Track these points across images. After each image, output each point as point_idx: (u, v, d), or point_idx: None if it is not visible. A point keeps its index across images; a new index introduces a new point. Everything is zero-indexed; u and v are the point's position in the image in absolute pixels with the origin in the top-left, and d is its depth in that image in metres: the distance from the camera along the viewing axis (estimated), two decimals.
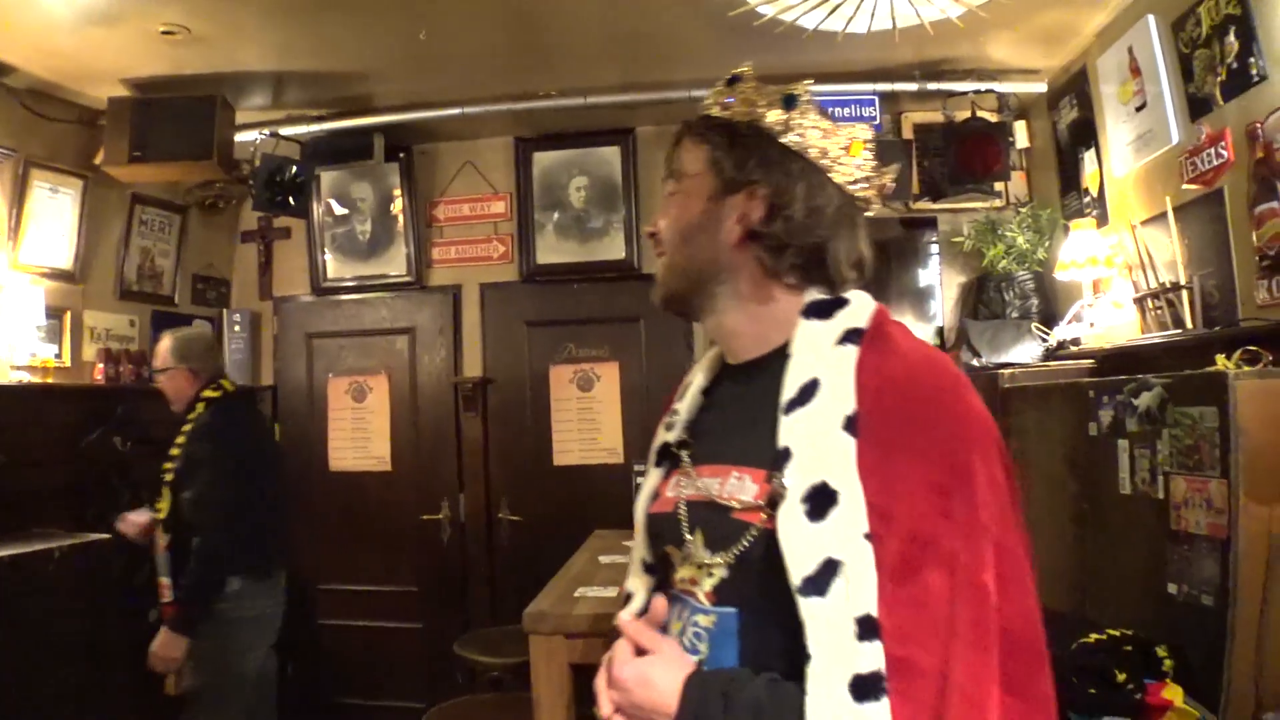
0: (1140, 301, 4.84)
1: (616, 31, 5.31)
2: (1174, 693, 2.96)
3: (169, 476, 4.70)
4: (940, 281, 6.45)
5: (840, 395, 1.57)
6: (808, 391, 1.61)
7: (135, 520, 4.92)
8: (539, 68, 5.83)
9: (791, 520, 1.51)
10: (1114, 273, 5.10)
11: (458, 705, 4.69)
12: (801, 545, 1.49)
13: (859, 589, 1.45)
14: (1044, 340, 5.45)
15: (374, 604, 7.16)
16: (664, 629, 1.75)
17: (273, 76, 5.84)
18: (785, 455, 1.57)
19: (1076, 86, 5.54)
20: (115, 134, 5.61)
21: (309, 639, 7.15)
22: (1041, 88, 5.95)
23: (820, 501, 1.50)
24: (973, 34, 5.22)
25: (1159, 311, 4.65)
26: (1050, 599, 4.18)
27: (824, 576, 1.46)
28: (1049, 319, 5.68)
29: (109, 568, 4.99)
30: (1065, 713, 3.07)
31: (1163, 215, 4.56)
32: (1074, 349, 5.26)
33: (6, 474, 5.05)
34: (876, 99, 5.98)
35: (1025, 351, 5.44)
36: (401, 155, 7.00)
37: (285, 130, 6.36)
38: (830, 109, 5.98)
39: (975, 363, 5.49)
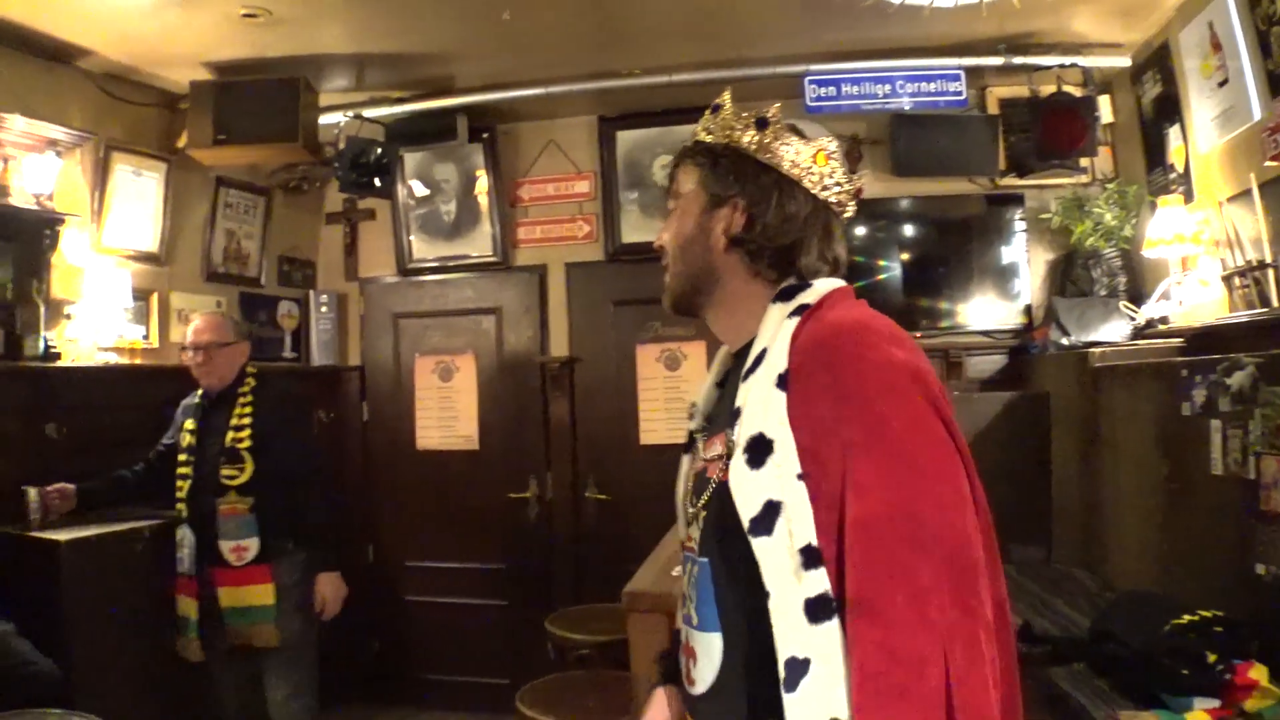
0: (1227, 279, 4.76)
1: (698, 9, 5.29)
2: (1260, 672, 2.93)
3: (246, 443, 4.89)
4: (1027, 259, 6.36)
5: (778, 357, 1.79)
6: (759, 360, 1.83)
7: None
8: (621, 46, 5.84)
9: (737, 469, 1.74)
10: (1201, 250, 5.00)
11: (551, 682, 4.71)
12: (746, 490, 1.72)
13: (799, 524, 1.65)
14: (1132, 319, 5.38)
15: (460, 581, 7.25)
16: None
17: (355, 58, 5.89)
18: (737, 415, 1.81)
19: (1159, 61, 5.42)
20: (198, 117, 5.70)
21: (396, 615, 7.24)
22: (1125, 62, 5.82)
23: (758, 450, 1.72)
24: (1056, 7, 5.18)
25: (1245, 290, 4.58)
26: (1138, 579, 4.15)
27: (768, 517, 1.68)
28: (1136, 297, 5.60)
29: None
30: (1157, 693, 3.06)
31: (1248, 192, 4.47)
32: (1162, 327, 5.19)
33: (94, 453, 5.14)
34: (962, 73, 5.92)
35: (1114, 330, 5.37)
36: (485, 135, 7.01)
37: (369, 112, 6.42)
38: (915, 83, 5.94)
39: (1064, 341, 5.43)
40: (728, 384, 2.09)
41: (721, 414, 2.00)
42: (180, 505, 4.92)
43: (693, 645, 1.91)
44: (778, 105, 2.02)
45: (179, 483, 4.96)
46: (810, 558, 1.63)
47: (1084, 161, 5.98)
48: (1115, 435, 4.52)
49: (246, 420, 4.95)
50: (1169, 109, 5.37)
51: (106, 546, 4.77)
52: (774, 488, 1.68)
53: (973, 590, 1.60)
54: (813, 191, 1.97)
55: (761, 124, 1.98)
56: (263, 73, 5.76)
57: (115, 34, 5.21)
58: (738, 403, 1.82)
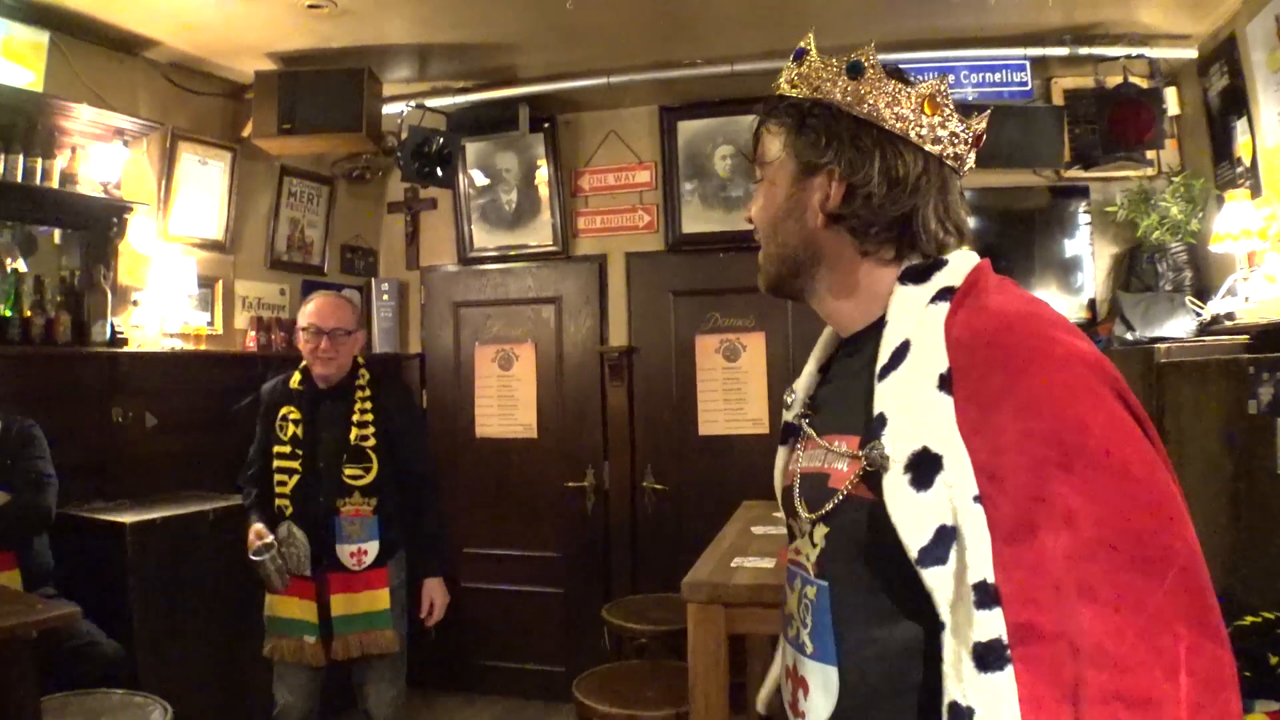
0: None
1: None
2: None
3: (372, 441, 4.59)
4: (1092, 252, 6.28)
5: (932, 354, 1.51)
6: (899, 355, 1.55)
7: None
8: (684, 36, 5.81)
9: (897, 490, 1.46)
10: (1268, 245, 4.94)
11: (608, 671, 4.72)
12: (912, 515, 1.44)
13: (974, 555, 1.38)
14: (1198, 314, 5.33)
15: (517, 569, 7.28)
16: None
17: (418, 49, 5.92)
18: (881, 422, 1.52)
19: (1226, 53, 5.35)
20: (264, 107, 5.76)
21: (453, 601, 7.28)
22: (1192, 54, 5.76)
23: (925, 468, 1.44)
24: None
25: None
26: None
27: (942, 545, 1.41)
28: (1202, 292, 5.55)
29: None
30: None
31: None
32: (1228, 324, 5.12)
33: (159, 437, 5.20)
34: (1027, 64, 5.87)
35: (1179, 326, 5.32)
36: (546, 125, 7.03)
37: (431, 102, 6.46)
38: (979, 74, 5.90)
39: (1129, 336, 5.39)
40: (833, 371, 1.87)
41: (835, 408, 1.77)
42: (283, 501, 4.56)
43: (803, 675, 1.66)
44: (872, 46, 1.68)
45: (279, 477, 4.57)
46: (984, 596, 1.37)
47: (1150, 154, 5.92)
48: (1180, 432, 4.48)
49: (369, 416, 4.63)
50: (1236, 102, 5.30)
51: (171, 529, 4.86)
52: (947, 512, 1.41)
53: (1210, 608, 1.35)
54: (924, 147, 1.64)
55: (855, 70, 1.65)
56: (327, 63, 5.81)
57: (182, 25, 5.28)
58: (878, 407, 1.53)
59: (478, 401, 7.43)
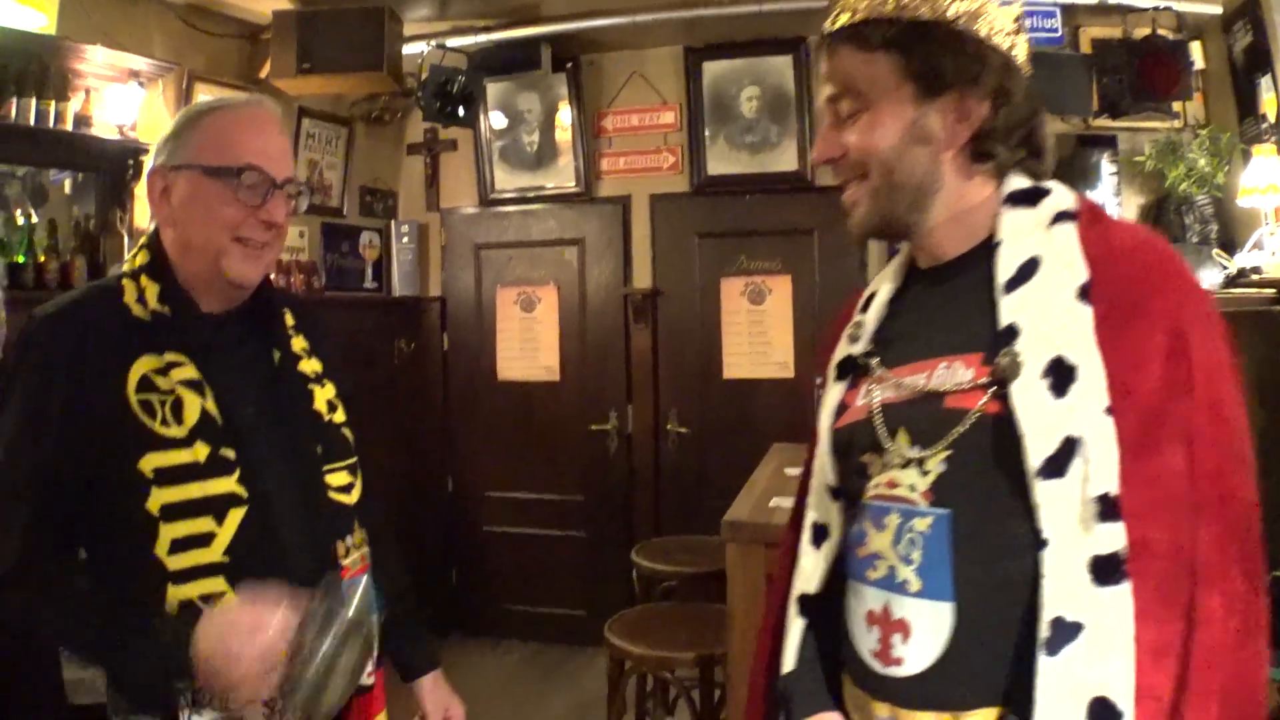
0: None
1: None
2: None
3: (341, 414, 2.33)
4: (1119, 202, 6.20)
5: (1070, 267, 1.50)
6: (1028, 270, 1.53)
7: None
8: None
9: (1031, 398, 1.45)
10: None
11: (639, 613, 4.68)
12: (1042, 424, 1.43)
13: (1100, 467, 1.39)
14: (1224, 267, 5.28)
15: (540, 512, 7.29)
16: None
17: None
18: (1011, 333, 1.50)
19: (1249, 11, 5.30)
20: (282, 47, 5.70)
21: (474, 546, 7.29)
22: (1217, 10, 5.68)
23: (1061, 376, 1.44)
24: None
25: None
26: None
27: (1063, 456, 1.40)
28: (1228, 245, 5.51)
29: None
30: None
31: None
32: (1254, 277, 5.08)
33: None
34: (1058, 10, 5.80)
35: (1205, 278, 5.26)
36: (569, 65, 6.95)
37: (452, 41, 6.40)
38: None
39: None
40: (909, 302, 1.78)
41: (906, 334, 1.72)
42: (210, 585, 1.91)
43: (902, 616, 1.54)
44: None
45: (190, 527, 1.91)
46: (1107, 508, 1.38)
47: (1176, 107, 5.88)
48: None
49: (318, 365, 2.32)
50: (1260, 59, 5.27)
51: None
52: (1075, 422, 1.41)
53: (1255, 556, 1.43)
54: (1019, 63, 1.62)
55: None
56: (346, 1, 5.74)
57: None
58: (1006, 319, 1.51)
59: (499, 344, 7.41)
